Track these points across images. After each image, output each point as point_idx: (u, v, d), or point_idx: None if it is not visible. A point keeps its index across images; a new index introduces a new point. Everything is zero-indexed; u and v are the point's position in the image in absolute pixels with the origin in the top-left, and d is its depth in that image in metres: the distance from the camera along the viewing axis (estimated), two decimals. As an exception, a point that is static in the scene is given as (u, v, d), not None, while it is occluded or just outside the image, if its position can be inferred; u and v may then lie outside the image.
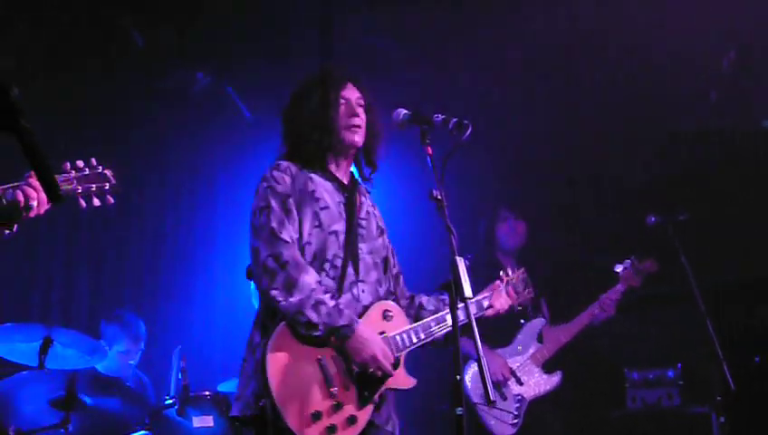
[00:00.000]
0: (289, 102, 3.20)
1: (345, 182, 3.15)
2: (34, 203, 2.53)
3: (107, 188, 2.78)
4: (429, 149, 2.87)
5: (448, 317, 2.90)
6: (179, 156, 6.41)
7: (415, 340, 2.99)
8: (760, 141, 5.72)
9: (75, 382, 4.06)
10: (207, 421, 4.14)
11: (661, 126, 5.78)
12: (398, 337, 2.96)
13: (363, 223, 3.12)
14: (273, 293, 2.82)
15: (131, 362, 5.00)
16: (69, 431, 4.05)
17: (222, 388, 4.68)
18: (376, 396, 2.89)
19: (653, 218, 4.55)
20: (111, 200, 2.80)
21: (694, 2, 5.17)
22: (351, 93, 3.13)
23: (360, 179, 3.25)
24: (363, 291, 3.00)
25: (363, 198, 3.20)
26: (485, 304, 3.25)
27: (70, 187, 2.70)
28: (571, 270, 5.90)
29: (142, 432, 4.41)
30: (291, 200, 2.97)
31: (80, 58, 5.53)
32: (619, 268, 4.93)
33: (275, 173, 3.03)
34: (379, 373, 2.86)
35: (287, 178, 3.01)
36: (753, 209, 5.53)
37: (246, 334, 5.58)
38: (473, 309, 2.97)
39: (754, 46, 5.43)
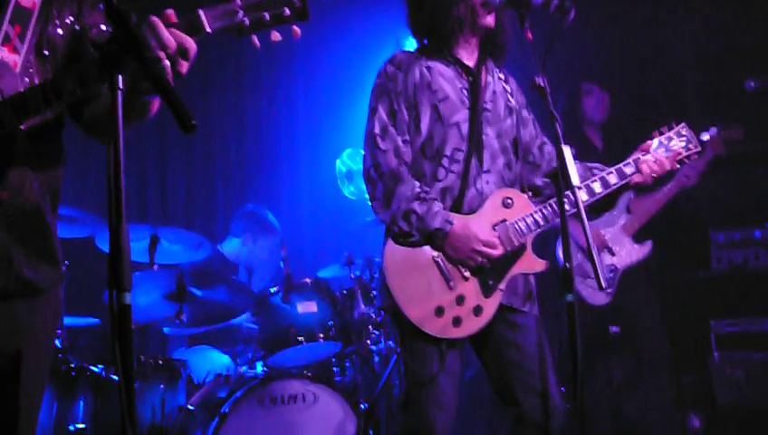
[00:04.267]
0: None
1: (471, 65, 3.06)
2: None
3: (287, 14, 1.93)
4: (529, 34, 2.75)
5: (581, 195, 2.86)
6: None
7: (541, 222, 2.93)
8: None
9: (184, 277, 4.26)
10: (311, 307, 4.29)
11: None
12: (520, 223, 2.93)
13: (489, 105, 3.02)
14: (374, 204, 2.92)
15: (264, 257, 5.15)
16: (184, 322, 4.30)
17: (322, 274, 4.84)
18: (502, 284, 2.91)
19: (752, 83, 4.38)
20: (298, 32, 1.96)
21: None
22: None
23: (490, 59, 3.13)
24: (488, 182, 2.96)
25: (490, 78, 3.08)
26: (628, 170, 3.02)
27: (228, 16, 1.89)
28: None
29: (246, 315, 4.66)
30: (401, 99, 2.94)
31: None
32: (705, 136, 4.79)
33: (389, 68, 3.00)
34: (484, 262, 2.87)
35: (400, 74, 2.97)
36: None
37: (336, 221, 5.71)
38: (613, 179, 3.00)
39: None
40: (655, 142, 3.10)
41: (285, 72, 6.55)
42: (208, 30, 1.89)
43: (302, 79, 6.54)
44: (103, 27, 2.13)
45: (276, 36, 1.96)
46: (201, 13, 1.88)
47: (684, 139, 3.12)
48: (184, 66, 1.85)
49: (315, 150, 6.39)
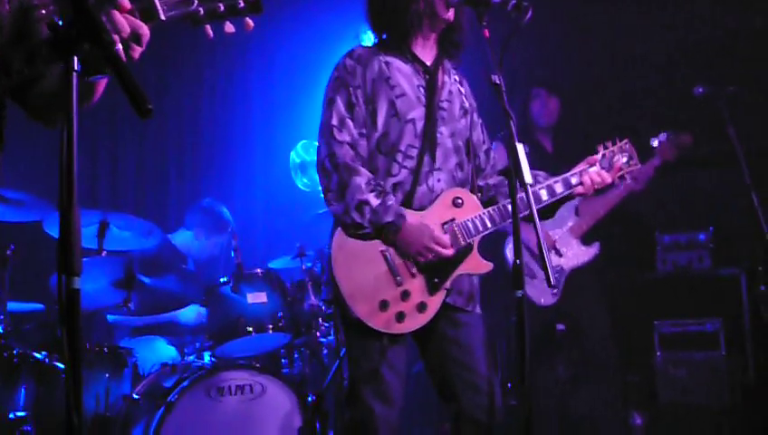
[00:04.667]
0: None
1: (428, 63, 3.07)
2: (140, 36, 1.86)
3: (241, 5, 1.96)
4: (486, 32, 2.76)
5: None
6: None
7: (489, 224, 2.97)
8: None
9: (133, 264, 4.21)
10: (261, 297, 4.28)
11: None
12: (469, 223, 2.96)
13: (445, 105, 3.05)
14: (328, 195, 2.90)
15: (215, 253, 5.07)
16: (131, 310, 4.24)
17: (272, 265, 4.82)
18: (447, 282, 2.93)
19: (701, 89, 4.47)
20: (251, 24, 1.99)
21: None
22: None
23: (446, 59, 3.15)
24: (439, 180, 2.98)
25: (447, 78, 3.11)
26: (573, 180, 3.11)
27: (182, 4, 1.90)
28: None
29: (195, 306, 4.63)
30: (359, 92, 2.95)
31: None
32: (654, 142, 4.88)
33: (348, 61, 3.00)
34: (434, 259, 2.88)
35: (359, 68, 2.97)
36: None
37: (288, 212, 5.67)
38: (559, 188, 3.07)
39: None
40: (599, 156, 3.22)
41: (241, 63, 6.52)
42: (162, 17, 1.90)
43: (257, 70, 6.52)
44: (52, 7, 2.08)
45: (230, 28, 1.98)
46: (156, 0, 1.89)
47: (626, 155, 3.27)
48: (136, 51, 1.85)
49: (269, 141, 6.37)
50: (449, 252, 2.90)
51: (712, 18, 5.72)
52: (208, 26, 1.96)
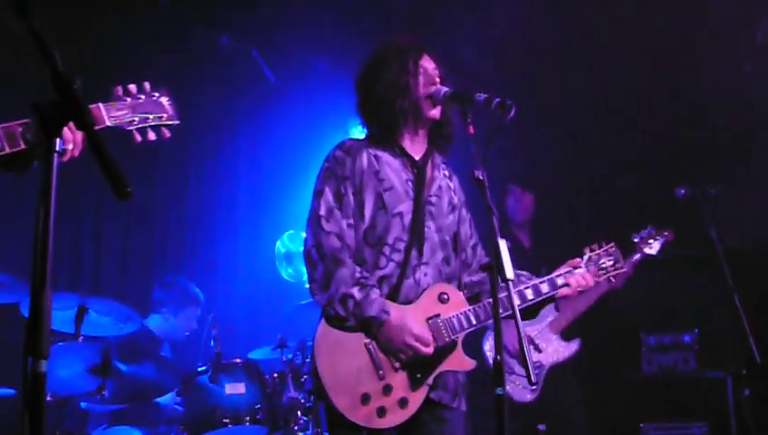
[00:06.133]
0: (364, 71, 3.13)
1: (417, 157, 3.10)
2: (70, 146, 2.22)
3: (164, 118, 2.47)
4: (471, 129, 2.80)
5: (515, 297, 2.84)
6: (202, 116, 6.39)
7: (474, 321, 2.96)
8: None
9: (110, 350, 4.14)
10: (239, 388, 4.21)
11: (692, 96, 5.72)
12: (454, 319, 2.94)
13: (433, 199, 3.07)
14: (312, 285, 2.90)
15: (188, 332, 5.02)
16: (105, 397, 4.14)
17: (253, 355, 4.75)
18: (430, 379, 2.90)
19: (682, 190, 4.54)
20: (168, 134, 2.49)
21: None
22: (428, 63, 3.09)
23: (436, 152, 3.18)
24: (426, 274, 2.97)
25: (437, 173, 3.13)
26: (559, 281, 3.12)
27: (122, 114, 2.37)
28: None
29: (170, 395, 4.52)
30: (348, 184, 2.97)
31: (100, 15, 5.46)
32: (636, 238, 4.92)
33: (338, 153, 3.03)
34: (415, 356, 2.85)
35: (348, 160, 3.00)
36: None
37: (271, 302, 5.62)
38: (545, 288, 3.08)
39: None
40: (585, 258, 3.25)
41: (230, 152, 6.58)
42: (107, 124, 2.32)
43: (245, 159, 6.58)
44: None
45: (152, 135, 2.46)
46: (101, 106, 2.34)
47: (612, 258, 3.31)
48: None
49: (255, 230, 6.37)
50: (429, 350, 2.88)
51: (691, 120, 5.86)
52: (136, 132, 2.43)
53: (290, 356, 4.57)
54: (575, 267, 3.19)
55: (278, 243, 5.86)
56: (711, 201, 4.52)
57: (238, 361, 4.34)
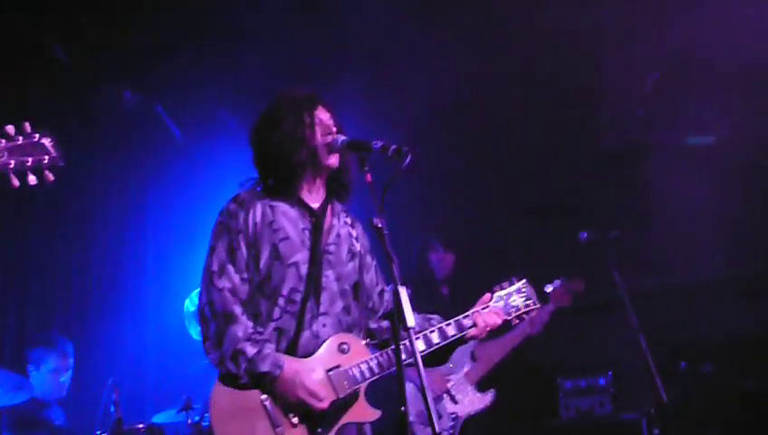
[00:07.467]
0: (259, 124, 3.09)
1: (315, 206, 3.06)
2: None
3: (46, 161, 2.30)
4: (369, 177, 2.78)
5: (418, 343, 2.84)
6: (107, 175, 6.25)
7: (376, 370, 2.91)
8: (684, 157, 5.89)
9: (0, 423, 3.90)
10: (142, 456, 4.02)
11: (590, 143, 5.92)
12: (354, 370, 2.89)
13: (331, 248, 3.02)
14: (206, 344, 2.83)
15: (62, 379, 4.81)
16: (-5, 472, 3.90)
17: (157, 419, 4.57)
18: (331, 432, 2.82)
19: (585, 235, 4.63)
20: (51, 177, 2.32)
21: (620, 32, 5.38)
22: (323, 114, 3.07)
23: (336, 201, 3.15)
24: (325, 325, 2.92)
25: (336, 221, 3.10)
26: (466, 323, 3.07)
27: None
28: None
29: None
30: (241, 237, 2.91)
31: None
32: (548, 288, 5.00)
33: (231, 206, 2.98)
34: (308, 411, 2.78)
35: (242, 212, 2.94)
36: (678, 222, 5.71)
37: (179, 362, 5.45)
38: (451, 331, 3.04)
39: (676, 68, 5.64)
40: (495, 296, 3.19)
41: (136, 210, 6.43)
42: None
43: (152, 217, 6.44)
44: None
45: (33, 179, 2.26)
46: None
47: (524, 295, 3.21)
48: None
49: (164, 289, 6.20)
50: (323, 405, 2.80)
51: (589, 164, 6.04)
52: (13, 176, 2.25)
53: (196, 418, 4.41)
54: (483, 306, 3.14)
55: (187, 301, 5.70)
56: (613, 244, 4.61)
57: (141, 426, 4.17)
